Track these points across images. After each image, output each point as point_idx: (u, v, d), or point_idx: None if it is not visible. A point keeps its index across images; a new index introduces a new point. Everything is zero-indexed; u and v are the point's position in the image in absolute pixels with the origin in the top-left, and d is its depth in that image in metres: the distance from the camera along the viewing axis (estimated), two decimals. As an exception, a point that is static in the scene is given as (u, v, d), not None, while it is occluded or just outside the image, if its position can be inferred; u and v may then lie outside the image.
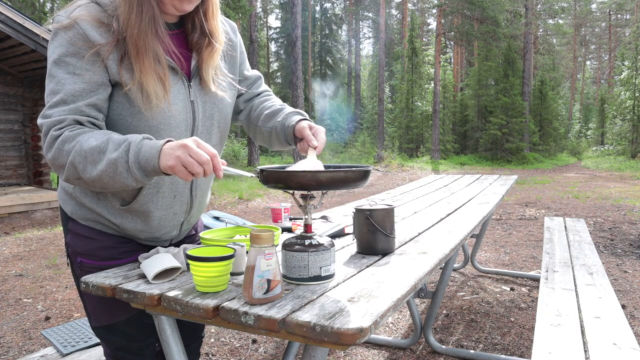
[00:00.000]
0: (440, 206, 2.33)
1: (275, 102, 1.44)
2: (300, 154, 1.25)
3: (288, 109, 1.38)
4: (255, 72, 1.48)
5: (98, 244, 1.25)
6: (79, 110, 1.06)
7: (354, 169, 1.06)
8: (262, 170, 1.06)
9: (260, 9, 32.57)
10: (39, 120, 1.08)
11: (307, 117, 1.32)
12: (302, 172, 1.01)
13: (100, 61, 1.08)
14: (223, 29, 1.29)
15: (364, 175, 1.05)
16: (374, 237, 1.31)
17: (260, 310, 0.88)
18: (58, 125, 1.04)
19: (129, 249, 1.28)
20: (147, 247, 1.31)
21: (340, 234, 1.61)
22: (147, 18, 1.08)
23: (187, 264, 1.10)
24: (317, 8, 33.63)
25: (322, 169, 1.13)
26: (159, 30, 1.11)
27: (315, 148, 1.20)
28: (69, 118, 1.05)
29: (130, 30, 1.07)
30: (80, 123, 1.07)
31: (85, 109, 1.07)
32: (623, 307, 3.19)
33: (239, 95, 1.43)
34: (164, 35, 1.12)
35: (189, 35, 1.22)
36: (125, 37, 1.08)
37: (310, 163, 1.15)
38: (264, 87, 1.50)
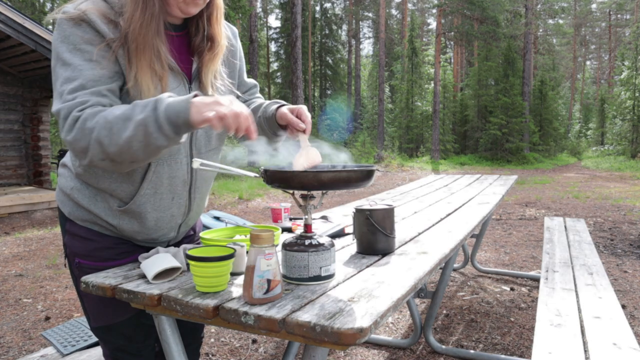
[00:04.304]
0: (440, 206, 2.33)
1: (257, 102, 1.43)
2: (293, 139, 1.25)
3: (266, 102, 1.37)
4: (251, 80, 1.49)
5: (96, 245, 1.24)
6: (100, 93, 1.04)
7: (356, 168, 1.06)
8: (265, 170, 1.06)
9: (260, 9, 32.54)
10: (56, 106, 1.02)
11: (285, 103, 1.31)
12: (305, 172, 1.01)
13: (112, 53, 1.07)
14: (225, 33, 1.29)
15: (367, 175, 1.05)
16: (374, 237, 1.31)
17: (260, 310, 0.88)
18: (81, 107, 1.01)
19: (127, 249, 1.27)
20: (144, 248, 1.31)
21: (340, 234, 1.61)
22: (150, 16, 1.07)
23: (187, 264, 1.10)
24: (317, 8, 33.59)
25: (318, 156, 1.15)
26: (160, 30, 1.10)
27: (304, 131, 1.20)
28: (92, 100, 1.02)
29: (133, 26, 1.06)
30: (102, 106, 1.04)
31: (107, 93, 1.05)
32: (623, 307, 3.19)
33: None
34: (162, 36, 1.11)
35: (192, 38, 1.22)
36: (128, 33, 1.07)
37: (306, 151, 1.15)
38: (257, 95, 1.51)
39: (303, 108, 1.24)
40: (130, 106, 1.00)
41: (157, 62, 1.10)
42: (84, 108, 1.01)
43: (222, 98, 0.99)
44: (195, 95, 1.00)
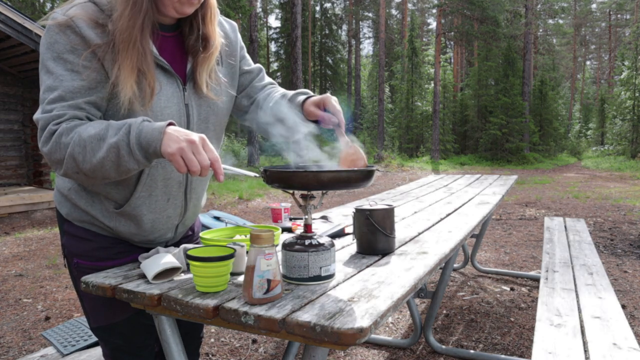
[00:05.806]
0: (440, 206, 2.33)
1: (277, 92, 1.39)
2: (326, 127, 1.22)
3: (289, 93, 1.33)
4: (256, 66, 1.45)
5: (93, 245, 1.24)
6: (78, 106, 1.05)
7: (356, 168, 1.06)
8: (265, 170, 1.06)
9: (260, 9, 32.55)
10: (36, 116, 1.05)
11: (310, 93, 1.28)
12: (305, 172, 1.01)
13: (97, 60, 1.06)
14: (222, 30, 1.28)
15: (367, 175, 1.05)
16: (374, 237, 1.31)
17: (260, 310, 0.88)
18: (57, 120, 1.03)
19: (125, 249, 1.27)
20: (142, 247, 1.31)
21: (340, 234, 1.61)
22: (138, 13, 1.06)
23: (187, 264, 1.10)
24: (317, 8, 33.59)
25: (362, 153, 1.15)
26: (145, 28, 1.08)
27: (339, 125, 1.18)
28: (69, 113, 1.04)
29: (121, 24, 1.05)
30: (79, 119, 1.05)
31: (84, 106, 1.06)
32: (623, 307, 3.19)
33: (242, 90, 1.40)
34: (147, 34, 1.09)
35: (185, 38, 1.21)
36: (116, 31, 1.06)
37: (348, 150, 1.17)
38: (267, 79, 1.46)
39: (328, 99, 1.20)
40: (105, 125, 1.01)
41: (143, 61, 1.08)
42: (60, 122, 1.03)
43: (198, 139, 0.97)
44: (170, 124, 1.00)
